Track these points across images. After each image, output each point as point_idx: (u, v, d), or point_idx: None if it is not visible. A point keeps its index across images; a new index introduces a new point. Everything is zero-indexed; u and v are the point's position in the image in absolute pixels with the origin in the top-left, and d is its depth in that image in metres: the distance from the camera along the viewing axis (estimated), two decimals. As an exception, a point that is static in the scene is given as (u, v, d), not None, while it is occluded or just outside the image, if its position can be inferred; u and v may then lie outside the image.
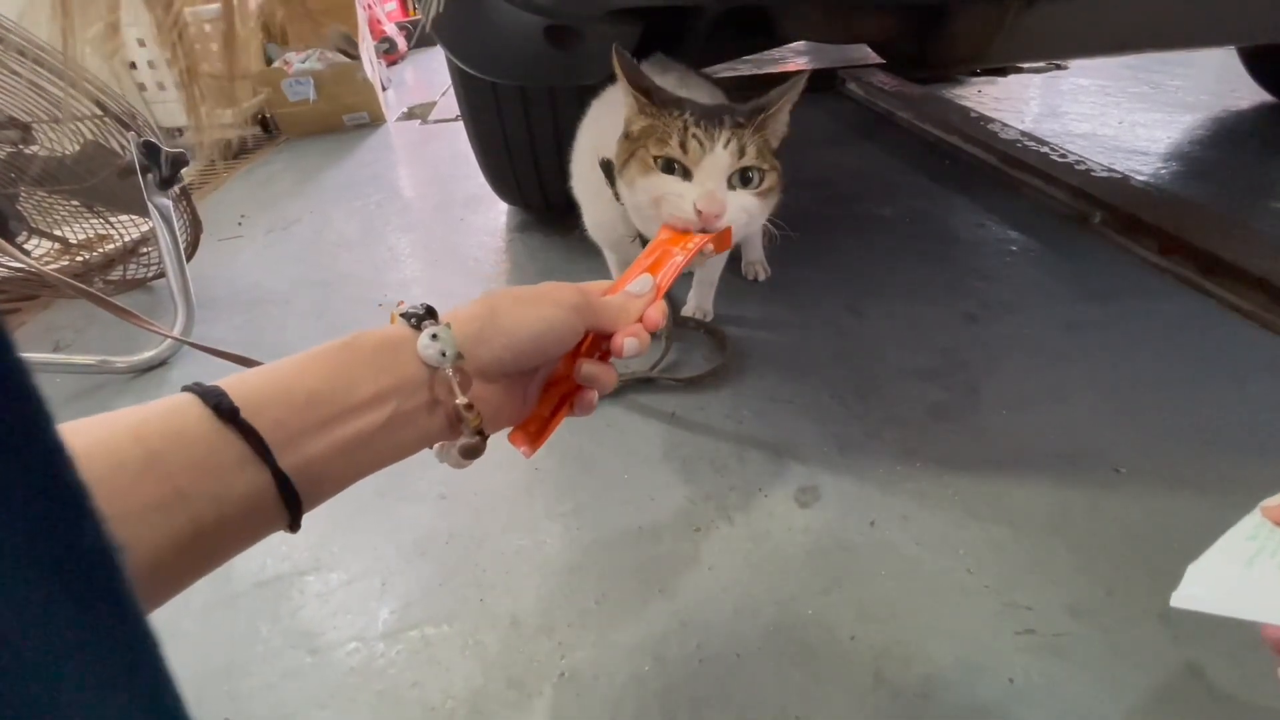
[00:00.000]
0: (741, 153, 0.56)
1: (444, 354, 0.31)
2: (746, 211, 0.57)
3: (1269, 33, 1.13)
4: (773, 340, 0.88)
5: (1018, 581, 0.55)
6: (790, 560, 0.58)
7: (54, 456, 0.12)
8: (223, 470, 0.25)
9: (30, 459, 0.11)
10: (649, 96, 0.58)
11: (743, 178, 0.57)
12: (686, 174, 0.56)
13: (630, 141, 0.61)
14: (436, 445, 0.33)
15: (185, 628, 0.56)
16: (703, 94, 0.74)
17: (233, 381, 0.27)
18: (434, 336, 0.31)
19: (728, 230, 0.53)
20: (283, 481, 0.26)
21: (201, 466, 0.24)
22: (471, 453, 0.33)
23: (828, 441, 0.70)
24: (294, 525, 0.28)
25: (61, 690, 0.12)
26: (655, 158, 0.57)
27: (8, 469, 0.11)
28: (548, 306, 0.34)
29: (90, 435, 0.23)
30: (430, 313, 0.32)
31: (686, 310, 0.91)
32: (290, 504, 0.27)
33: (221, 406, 0.25)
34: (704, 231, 0.52)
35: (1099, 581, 0.54)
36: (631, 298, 0.38)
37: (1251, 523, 0.32)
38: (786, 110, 0.58)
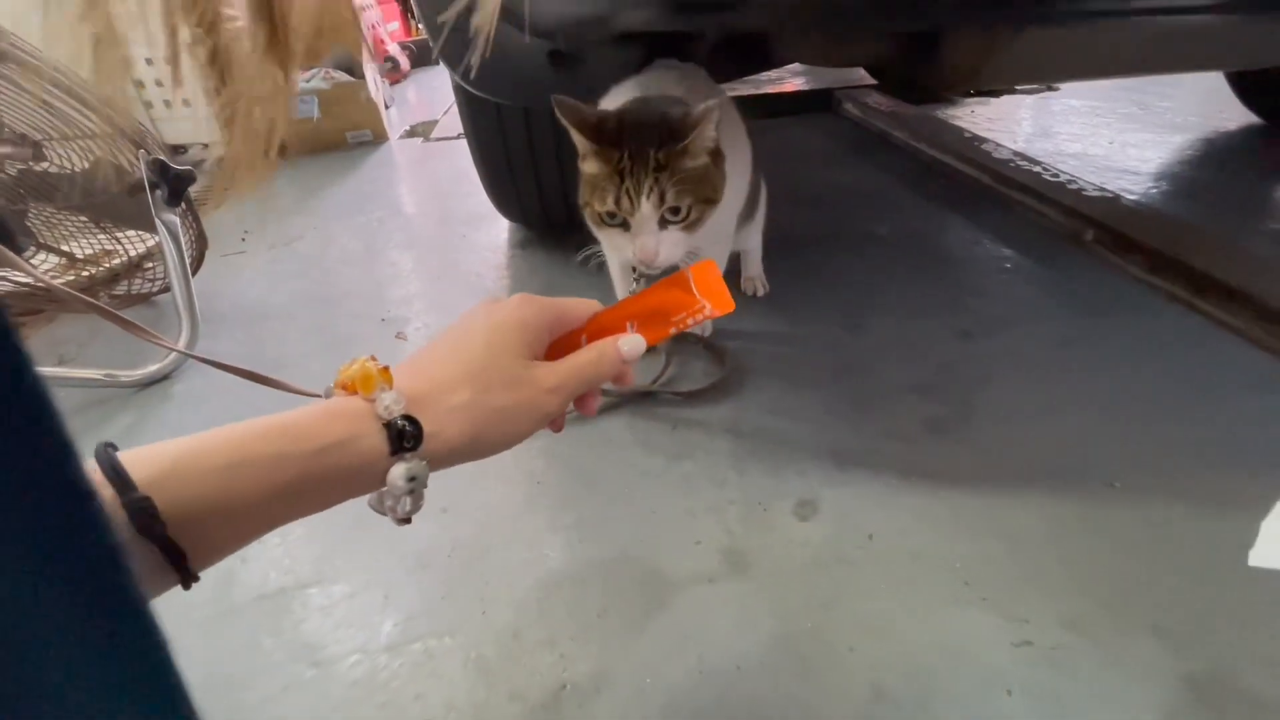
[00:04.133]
0: (662, 199, 0.63)
1: (412, 479, 0.30)
2: (679, 245, 0.65)
3: (1254, 58, 1.16)
4: (772, 355, 0.89)
5: (1014, 594, 0.55)
6: (789, 573, 0.59)
7: (63, 458, 0.12)
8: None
9: (40, 461, 0.11)
10: (595, 131, 0.63)
11: (672, 211, 0.64)
12: (626, 222, 0.65)
13: (584, 185, 0.68)
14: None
15: (187, 641, 0.56)
16: (698, 93, 0.75)
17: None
18: (410, 478, 0.30)
19: (725, 295, 0.47)
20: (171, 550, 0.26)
21: None
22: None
23: (826, 455, 0.71)
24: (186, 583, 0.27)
25: (72, 692, 0.12)
26: (599, 214, 0.65)
27: (17, 472, 0.11)
28: (524, 415, 0.34)
29: None
30: (416, 428, 0.30)
31: (686, 326, 0.92)
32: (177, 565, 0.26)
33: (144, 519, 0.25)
34: (644, 264, 0.63)
35: (1095, 594, 0.55)
36: (614, 354, 0.38)
37: None
38: (706, 134, 0.62)
